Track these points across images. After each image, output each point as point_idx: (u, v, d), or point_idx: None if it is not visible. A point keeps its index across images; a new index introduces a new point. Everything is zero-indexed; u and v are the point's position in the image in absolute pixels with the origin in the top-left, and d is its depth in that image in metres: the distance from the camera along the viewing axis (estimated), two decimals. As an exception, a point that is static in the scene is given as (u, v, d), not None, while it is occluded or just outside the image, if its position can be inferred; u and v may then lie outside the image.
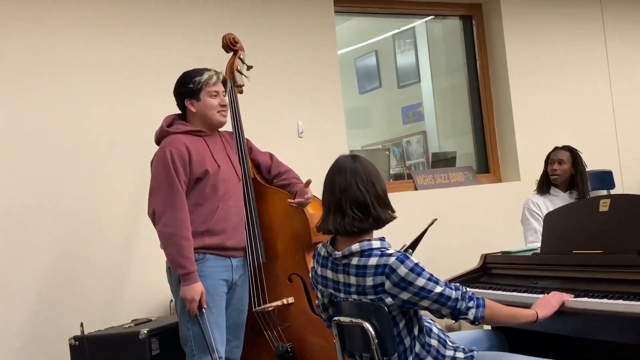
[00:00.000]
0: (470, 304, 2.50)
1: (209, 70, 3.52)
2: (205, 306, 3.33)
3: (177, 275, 3.34)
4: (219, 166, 3.46)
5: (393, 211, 2.61)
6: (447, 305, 2.48)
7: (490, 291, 3.10)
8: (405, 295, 2.45)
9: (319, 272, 2.71)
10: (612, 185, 5.90)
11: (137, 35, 4.53)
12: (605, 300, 2.51)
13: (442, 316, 2.53)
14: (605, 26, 6.43)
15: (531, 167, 5.58)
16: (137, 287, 4.35)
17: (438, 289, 2.46)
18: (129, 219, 4.32)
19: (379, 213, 2.54)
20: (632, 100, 6.48)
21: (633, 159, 6.36)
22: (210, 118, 3.50)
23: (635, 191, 6.08)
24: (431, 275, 2.48)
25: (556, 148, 4.90)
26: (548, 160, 4.89)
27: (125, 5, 4.52)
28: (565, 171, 4.79)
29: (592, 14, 6.38)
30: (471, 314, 2.50)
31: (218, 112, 3.50)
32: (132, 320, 4.00)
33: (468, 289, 2.55)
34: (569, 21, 6.26)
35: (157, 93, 4.30)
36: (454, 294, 2.48)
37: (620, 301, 2.46)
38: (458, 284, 2.54)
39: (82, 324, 3.73)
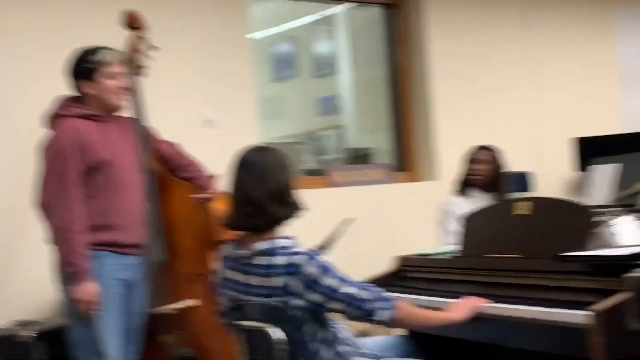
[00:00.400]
0: (383, 304, 2.51)
1: (107, 48, 3.43)
2: (98, 308, 3.25)
3: (68, 274, 3.25)
4: (116, 155, 3.38)
5: (296, 209, 2.60)
6: (357, 306, 2.49)
7: (405, 295, 3.10)
8: (314, 296, 2.45)
9: (223, 273, 2.69)
10: (531, 188, 6.06)
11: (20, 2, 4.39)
12: (523, 307, 2.56)
13: (353, 318, 2.53)
14: (531, 25, 6.59)
15: (451, 167, 5.66)
16: (21, 286, 4.21)
17: (349, 290, 2.47)
18: (9, 210, 4.19)
19: (273, 211, 2.54)
20: (556, 100, 6.65)
21: (552, 160, 6.54)
22: (107, 101, 3.41)
23: (554, 194, 6.25)
24: (342, 275, 2.48)
25: (477, 147, 4.98)
26: (469, 160, 4.96)
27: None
28: (487, 172, 4.88)
29: (519, 11, 6.53)
30: (382, 316, 2.51)
31: (116, 95, 3.42)
32: (15, 321, 3.87)
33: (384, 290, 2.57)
34: (496, 17, 6.38)
35: (44, 70, 4.18)
36: (365, 294, 2.49)
37: (537, 308, 2.51)
38: (372, 285, 2.55)
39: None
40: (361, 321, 2.55)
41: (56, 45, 4.20)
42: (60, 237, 3.22)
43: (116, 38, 3.77)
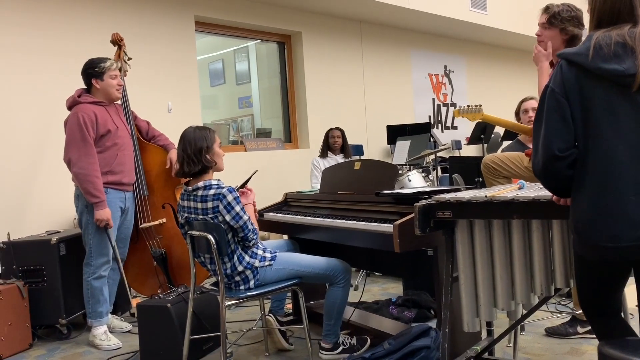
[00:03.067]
0: (255, 237, 2.54)
1: (110, 59, 3.28)
2: (111, 224, 3.15)
3: (89, 203, 3.09)
4: (117, 127, 3.24)
5: (208, 163, 2.53)
6: (244, 230, 2.48)
7: (288, 215, 3.11)
8: (228, 217, 2.43)
9: (181, 203, 2.63)
10: (362, 153, 6.18)
11: (41, 26, 4.10)
12: (357, 222, 2.59)
13: (239, 237, 2.50)
14: (364, 56, 6.65)
15: (315, 140, 5.71)
16: (50, 207, 4.00)
17: (245, 217, 2.47)
18: (34, 156, 3.94)
19: (197, 163, 2.50)
20: (376, 101, 6.78)
21: (375, 137, 6.69)
22: (111, 94, 3.25)
23: (376, 157, 6.40)
24: (243, 207, 2.48)
25: (333, 128, 5.03)
26: (328, 136, 5.00)
27: (35, 5, 4.05)
28: (340, 142, 4.96)
29: (356, 51, 6.57)
30: (253, 242, 2.53)
31: (116, 89, 3.26)
32: (46, 231, 3.67)
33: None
34: (343, 50, 6.40)
35: (53, 71, 3.95)
36: (250, 226, 2.49)
37: (363, 222, 2.54)
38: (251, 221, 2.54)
39: (8, 233, 3.37)
40: (241, 240, 2.52)
41: (60, 53, 4.00)
42: (86, 180, 3.06)
43: (103, 51, 3.63)
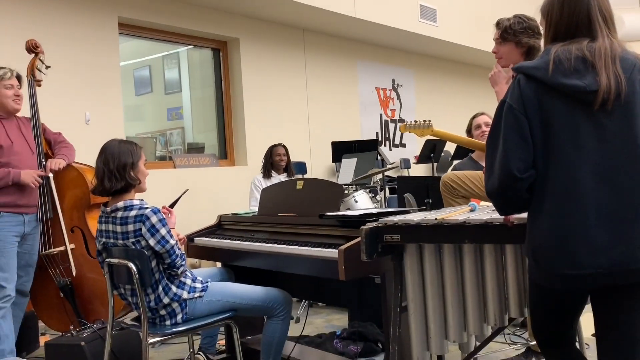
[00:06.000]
0: (184, 262, 2.48)
1: (4, 68, 3.16)
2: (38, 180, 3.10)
3: None
4: (12, 142, 3.10)
5: (132, 180, 2.47)
6: (171, 256, 2.42)
7: (222, 240, 3.05)
8: (152, 241, 2.36)
9: (98, 227, 2.53)
10: (306, 171, 6.19)
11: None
12: (297, 247, 2.57)
13: (166, 264, 2.44)
14: (307, 64, 6.71)
15: (254, 157, 5.68)
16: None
17: (172, 242, 2.41)
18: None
19: (120, 179, 2.43)
20: (321, 115, 6.83)
21: (319, 154, 6.72)
22: (5, 105, 3.14)
23: (319, 176, 6.44)
24: (169, 230, 2.42)
25: (277, 145, 4.99)
26: (271, 153, 4.96)
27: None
28: (285, 161, 4.95)
29: (299, 61, 6.63)
30: (181, 270, 2.48)
31: (13, 100, 3.15)
32: None
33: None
34: (282, 59, 6.44)
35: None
36: (177, 251, 2.44)
37: (306, 247, 2.53)
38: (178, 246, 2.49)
39: None
40: (167, 267, 2.46)
41: None
42: None
43: (20, 57, 3.48)
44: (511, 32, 2.55)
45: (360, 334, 3.27)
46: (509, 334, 3.46)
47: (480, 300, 1.93)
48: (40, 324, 3.64)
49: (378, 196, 5.46)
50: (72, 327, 3.31)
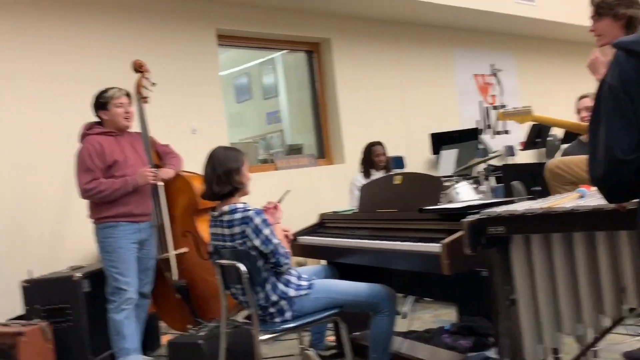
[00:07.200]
0: (286, 260, 2.54)
1: (114, 88, 3.40)
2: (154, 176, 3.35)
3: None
4: (126, 156, 3.34)
5: (238, 185, 2.58)
6: (275, 255, 2.49)
7: (324, 238, 3.10)
8: (257, 241, 2.46)
9: (209, 230, 2.68)
10: (403, 166, 6.14)
11: (63, 54, 4.29)
12: (397, 242, 2.55)
13: (271, 263, 2.51)
14: (400, 61, 6.65)
15: (351, 155, 5.71)
16: (73, 242, 4.12)
17: (275, 241, 2.48)
18: (63, 194, 4.07)
19: (227, 184, 2.55)
20: (417, 107, 6.74)
21: (417, 148, 6.64)
22: (117, 122, 3.38)
23: (418, 170, 6.35)
24: (272, 231, 2.50)
25: (376, 144, 4.99)
26: (370, 152, 4.96)
27: (56, 31, 4.24)
28: (384, 160, 4.94)
29: (393, 52, 6.58)
30: (285, 268, 2.55)
31: (124, 117, 3.38)
32: (70, 267, 3.78)
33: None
34: (376, 57, 6.42)
35: (77, 100, 4.07)
36: (281, 250, 2.51)
37: (407, 243, 2.51)
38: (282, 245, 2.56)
39: (30, 271, 3.50)
40: (273, 267, 2.54)
41: (84, 81, 4.14)
42: (110, 195, 3.23)
43: (128, 76, 3.73)
44: (606, 5, 2.37)
45: (470, 329, 3.20)
46: (632, 325, 3.23)
47: (594, 291, 1.82)
48: (162, 324, 3.90)
49: (482, 186, 5.30)
50: (190, 326, 3.52)
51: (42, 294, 3.41)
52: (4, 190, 3.91)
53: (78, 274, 3.39)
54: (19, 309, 3.50)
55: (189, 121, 4.91)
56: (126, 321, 3.27)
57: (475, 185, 4.68)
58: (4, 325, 3.31)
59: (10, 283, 3.62)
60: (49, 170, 4.08)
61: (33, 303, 3.41)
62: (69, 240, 4.12)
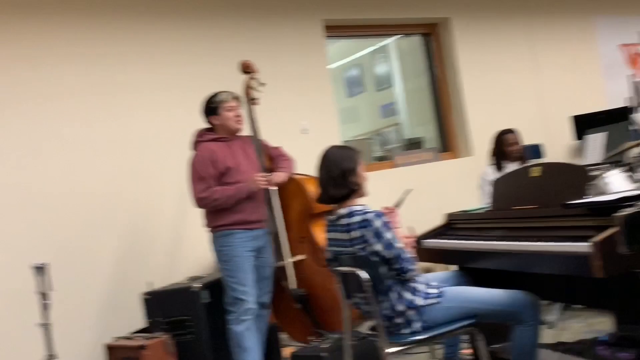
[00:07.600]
0: (411, 266, 2.52)
1: (223, 92, 3.56)
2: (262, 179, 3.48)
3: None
4: (239, 163, 3.49)
5: (354, 186, 2.61)
6: (399, 261, 2.48)
7: (453, 241, 3.06)
8: (378, 246, 2.46)
9: (327, 235, 2.74)
10: (540, 155, 5.89)
11: (170, 62, 4.57)
12: (538, 243, 2.48)
13: (395, 270, 2.51)
14: (532, 35, 6.39)
15: (480, 146, 5.57)
16: (192, 252, 4.38)
17: (399, 246, 2.48)
18: (179, 203, 4.34)
19: (343, 186, 2.58)
20: (555, 89, 6.44)
21: (556, 133, 6.34)
22: (229, 126, 3.53)
23: (559, 159, 6.06)
24: (395, 235, 2.50)
25: (507, 132, 4.80)
26: (501, 142, 4.78)
27: (167, 42, 4.53)
28: (519, 149, 4.74)
29: (523, 24, 6.34)
30: (410, 275, 2.53)
31: (235, 121, 3.54)
32: (188, 277, 4.03)
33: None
34: (504, 30, 6.23)
35: (186, 107, 4.27)
36: (405, 255, 2.49)
37: (550, 243, 2.42)
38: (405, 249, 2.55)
39: (151, 283, 3.77)
40: (397, 273, 2.53)
41: (195, 87, 4.37)
42: (225, 202, 3.39)
43: (236, 77, 3.90)
44: None
45: (632, 339, 3.03)
46: None
47: None
48: (283, 335, 4.03)
49: (637, 174, 4.94)
50: (312, 337, 3.62)
51: (162, 306, 3.67)
52: (122, 203, 4.25)
53: (197, 285, 3.61)
54: (140, 321, 3.79)
55: (299, 120, 5.04)
56: (247, 333, 3.42)
57: (628, 174, 4.38)
58: (128, 338, 3.61)
59: (131, 295, 3.92)
60: (163, 180, 4.37)
61: (154, 315, 3.68)
62: (186, 250, 4.40)
